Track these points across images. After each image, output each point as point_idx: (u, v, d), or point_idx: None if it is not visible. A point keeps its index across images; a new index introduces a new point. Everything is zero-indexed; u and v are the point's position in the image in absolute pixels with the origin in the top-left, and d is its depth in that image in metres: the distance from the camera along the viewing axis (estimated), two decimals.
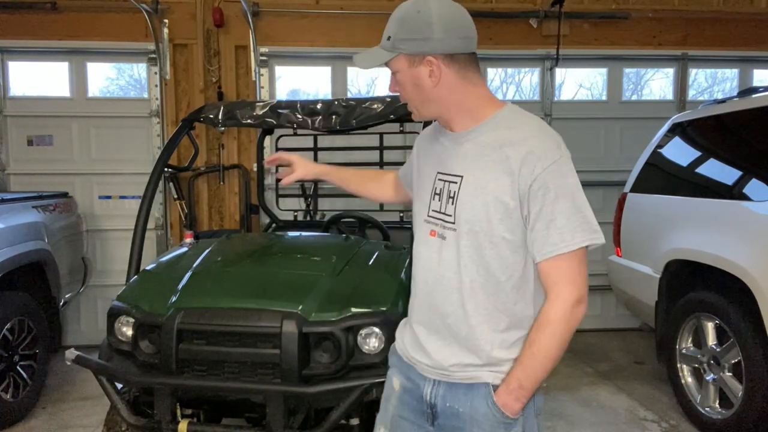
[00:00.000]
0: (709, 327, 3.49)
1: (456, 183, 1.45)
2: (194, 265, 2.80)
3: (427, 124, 1.79)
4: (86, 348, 2.85)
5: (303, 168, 1.96)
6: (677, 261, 3.70)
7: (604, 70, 5.76)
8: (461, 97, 1.47)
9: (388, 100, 2.90)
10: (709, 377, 3.49)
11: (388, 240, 3.47)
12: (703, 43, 5.63)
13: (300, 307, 2.36)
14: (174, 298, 2.47)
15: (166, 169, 3.48)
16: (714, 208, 3.47)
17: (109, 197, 5.35)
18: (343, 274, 2.67)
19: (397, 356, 1.66)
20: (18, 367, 3.70)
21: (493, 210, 1.39)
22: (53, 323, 4.11)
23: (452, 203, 1.45)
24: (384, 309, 2.36)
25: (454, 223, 1.44)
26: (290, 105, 3.08)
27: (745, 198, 3.30)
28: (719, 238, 3.35)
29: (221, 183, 5.30)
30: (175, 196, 5.21)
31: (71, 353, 2.51)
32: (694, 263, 3.54)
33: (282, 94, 5.53)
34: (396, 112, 2.85)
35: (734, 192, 3.41)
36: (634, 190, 4.34)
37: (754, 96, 3.54)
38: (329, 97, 5.42)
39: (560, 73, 5.72)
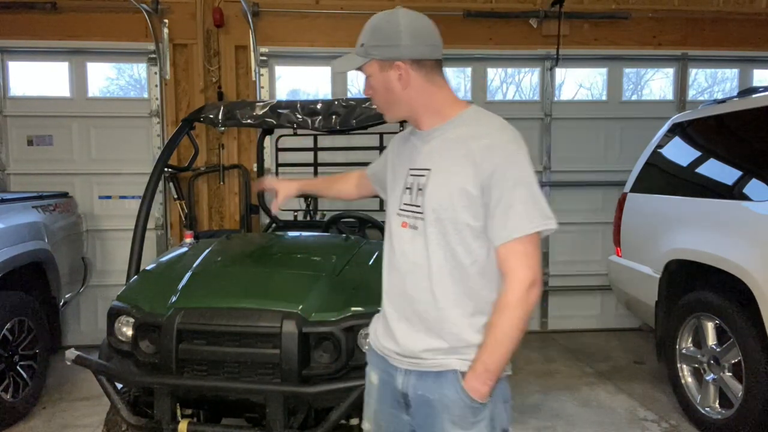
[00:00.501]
0: (709, 327, 3.49)
1: (424, 176, 1.56)
2: (194, 265, 2.80)
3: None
4: (86, 348, 2.85)
5: (284, 189, 2.19)
6: (677, 261, 3.70)
7: (604, 70, 5.76)
8: (428, 99, 1.59)
9: None
10: (709, 377, 3.49)
11: None
12: (703, 43, 5.63)
13: (300, 307, 2.36)
14: (174, 298, 2.47)
15: (166, 169, 3.49)
16: (714, 208, 3.47)
17: (109, 197, 5.35)
18: (343, 274, 2.67)
19: (372, 352, 1.75)
20: (18, 367, 3.70)
21: (457, 198, 1.49)
22: (53, 323, 4.11)
23: (421, 195, 1.56)
24: None
25: (422, 213, 1.55)
26: (290, 105, 3.08)
27: (745, 198, 3.30)
28: (719, 238, 3.35)
29: (221, 183, 5.30)
30: (175, 196, 5.21)
31: (71, 353, 2.51)
32: (694, 263, 3.53)
33: (282, 94, 5.53)
34: None
35: (734, 192, 3.41)
36: (634, 190, 4.35)
37: (754, 96, 3.54)
38: (329, 97, 5.42)
39: (560, 73, 5.72)
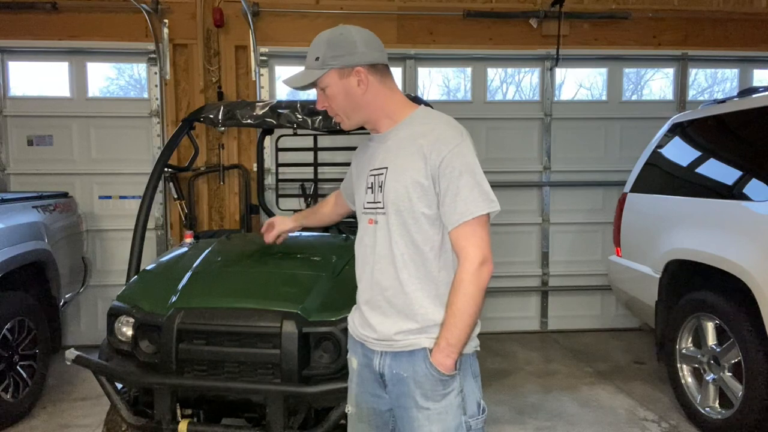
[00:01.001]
0: (709, 327, 3.49)
1: (382, 174, 1.71)
2: (194, 265, 2.80)
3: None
4: (86, 348, 2.85)
5: (281, 225, 2.53)
6: (677, 261, 3.69)
7: (604, 70, 5.76)
8: (384, 102, 1.74)
9: None
10: (709, 377, 3.49)
11: None
12: (703, 43, 5.63)
13: (300, 308, 2.37)
14: (174, 298, 2.47)
15: (166, 169, 3.48)
16: (714, 208, 3.47)
17: (109, 197, 5.35)
18: (343, 274, 2.67)
19: (351, 340, 1.88)
20: (18, 367, 3.70)
21: (412, 190, 1.64)
22: (53, 323, 4.11)
23: (381, 191, 1.70)
24: None
25: (383, 207, 1.69)
26: (290, 105, 3.07)
27: (745, 198, 3.30)
28: (719, 238, 3.35)
29: (221, 183, 5.30)
30: (175, 196, 5.21)
31: (71, 353, 2.51)
32: (694, 263, 3.53)
33: (282, 94, 5.53)
34: None
35: (734, 192, 3.41)
36: (634, 190, 4.35)
37: (754, 96, 3.54)
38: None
39: (560, 73, 5.72)
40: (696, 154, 3.99)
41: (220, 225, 5.31)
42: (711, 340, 3.49)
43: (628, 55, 5.63)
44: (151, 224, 4.98)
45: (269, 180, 5.16)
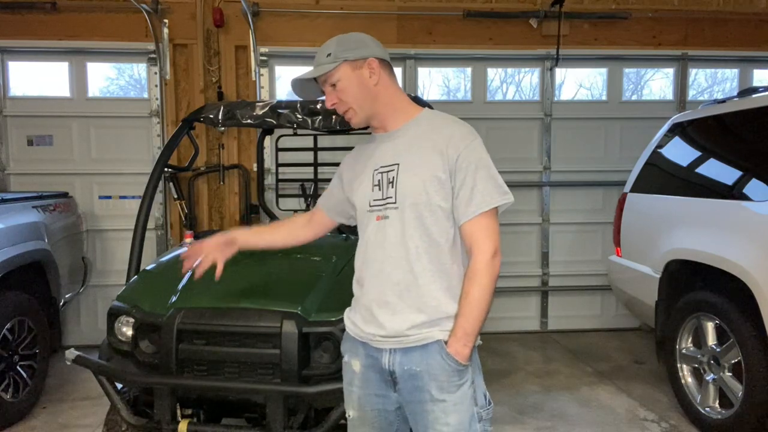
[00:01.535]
0: (709, 327, 3.49)
1: (393, 170, 1.73)
2: (194, 265, 2.79)
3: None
4: (86, 348, 2.85)
5: (219, 255, 2.05)
6: (677, 261, 3.69)
7: (604, 70, 5.76)
8: (393, 97, 1.80)
9: None
10: (709, 377, 3.49)
11: None
12: (703, 43, 5.63)
13: (300, 308, 2.37)
14: (174, 298, 2.47)
15: (166, 169, 3.48)
16: (714, 208, 3.47)
17: (109, 197, 5.35)
18: (343, 274, 2.67)
19: (350, 342, 1.85)
20: (18, 367, 3.70)
21: (429, 184, 1.68)
22: (53, 323, 4.11)
23: (392, 186, 1.72)
24: None
25: (395, 202, 1.71)
26: (290, 105, 3.07)
27: (745, 198, 3.30)
28: (719, 238, 3.35)
29: (221, 183, 5.30)
30: (175, 196, 5.21)
31: (71, 353, 2.51)
32: (694, 263, 3.53)
33: (282, 94, 5.53)
34: None
35: (734, 192, 3.41)
36: (634, 190, 4.34)
37: (754, 96, 3.54)
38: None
39: (560, 73, 5.72)
40: (696, 154, 3.99)
41: (220, 225, 5.31)
42: (711, 340, 3.49)
43: (628, 55, 5.63)
44: (151, 224, 4.98)
45: (269, 180, 5.16)
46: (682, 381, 3.70)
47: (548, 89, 5.62)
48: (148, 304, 2.50)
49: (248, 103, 3.18)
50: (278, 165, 4.65)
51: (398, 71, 5.46)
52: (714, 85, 5.98)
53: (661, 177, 4.15)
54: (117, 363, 2.50)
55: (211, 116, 3.13)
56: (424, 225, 1.69)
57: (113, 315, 2.56)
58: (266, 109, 3.07)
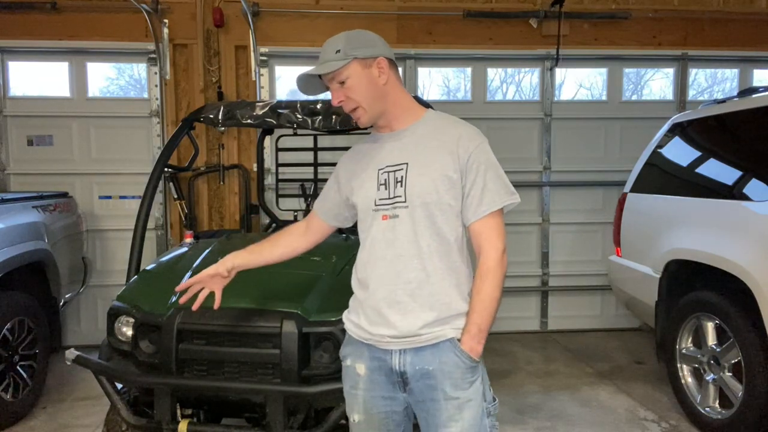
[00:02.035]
0: (709, 327, 3.49)
1: (402, 169, 1.73)
2: (194, 265, 2.80)
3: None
4: (86, 348, 2.85)
5: (217, 285, 2.02)
6: (677, 261, 3.69)
7: (604, 70, 5.76)
8: (400, 96, 1.80)
9: None
10: (709, 377, 3.49)
11: None
12: (703, 43, 5.63)
13: (300, 308, 2.37)
14: (174, 298, 2.46)
15: (166, 169, 3.48)
16: (714, 208, 3.47)
17: (109, 197, 5.35)
18: (343, 274, 2.67)
19: (352, 345, 1.82)
20: (18, 367, 3.70)
21: (440, 183, 1.70)
22: (53, 323, 4.11)
23: (401, 186, 1.72)
24: None
25: (405, 201, 1.71)
26: (290, 105, 3.07)
27: (745, 198, 3.30)
28: (719, 238, 3.35)
29: (221, 183, 5.30)
30: (175, 196, 5.21)
31: (71, 353, 2.51)
32: (694, 263, 3.53)
33: (282, 94, 5.53)
34: None
35: (734, 192, 3.41)
36: (634, 190, 4.34)
37: (754, 96, 3.54)
38: (329, 97, 5.41)
39: (560, 73, 5.72)
40: (696, 154, 3.99)
41: (220, 225, 5.31)
42: (711, 340, 3.49)
43: (628, 55, 5.63)
44: (151, 224, 4.98)
45: (269, 180, 5.16)
46: (682, 381, 3.70)
47: (548, 89, 5.62)
48: (148, 304, 2.50)
49: (248, 103, 3.18)
50: (278, 165, 4.65)
51: (399, 71, 5.45)
52: (714, 85, 5.98)
53: (661, 177, 4.15)
54: (117, 363, 2.50)
55: (211, 116, 3.13)
56: (435, 224, 1.70)
57: (113, 315, 2.56)
58: (266, 109, 3.07)
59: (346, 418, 2.30)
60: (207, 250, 3.02)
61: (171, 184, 5.19)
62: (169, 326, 2.33)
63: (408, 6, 5.38)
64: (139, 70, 5.41)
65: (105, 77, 5.44)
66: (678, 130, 4.13)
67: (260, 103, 3.13)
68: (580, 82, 5.82)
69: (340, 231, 3.67)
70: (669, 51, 5.65)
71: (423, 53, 5.46)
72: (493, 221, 1.71)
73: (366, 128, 1.90)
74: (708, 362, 3.51)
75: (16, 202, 3.93)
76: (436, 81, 5.68)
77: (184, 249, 3.23)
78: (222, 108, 3.14)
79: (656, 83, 5.88)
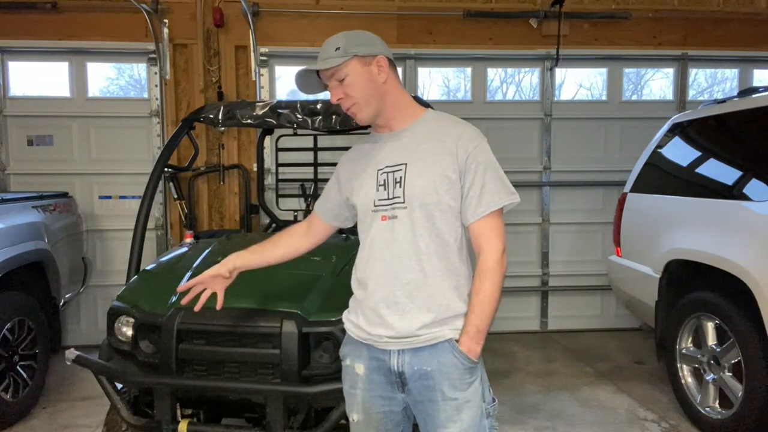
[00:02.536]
0: (709, 327, 3.49)
1: (401, 170, 1.72)
2: (194, 265, 2.80)
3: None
4: (86, 348, 2.85)
5: (218, 286, 2.02)
6: (677, 261, 3.69)
7: (604, 70, 5.76)
8: (399, 96, 1.80)
9: None
10: (709, 377, 3.49)
11: None
12: (703, 43, 5.63)
13: (300, 308, 2.37)
14: (174, 298, 2.47)
15: (166, 169, 3.48)
16: (714, 208, 3.47)
17: (109, 197, 5.35)
18: (343, 274, 2.67)
19: (351, 345, 1.82)
20: (18, 367, 3.70)
21: (439, 184, 1.69)
22: (53, 323, 4.11)
23: (400, 186, 1.71)
24: None
25: (404, 201, 1.70)
26: (290, 105, 3.07)
27: (745, 198, 3.30)
28: (719, 238, 3.35)
29: (221, 183, 5.30)
30: (175, 196, 5.21)
31: (71, 353, 2.51)
32: (694, 263, 3.53)
33: (282, 94, 5.53)
34: None
35: (734, 192, 3.41)
36: (634, 190, 4.34)
37: (754, 96, 3.54)
38: (329, 97, 5.41)
39: (560, 73, 5.72)
40: (696, 154, 3.99)
41: (220, 225, 5.31)
42: (711, 340, 3.49)
43: (628, 55, 5.63)
44: (151, 224, 4.98)
45: (269, 180, 5.16)
46: (682, 381, 3.70)
47: (548, 89, 5.62)
48: (148, 304, 2.50)
49: (248, 103, 3.18)
50: (278, 165, 4.65)
51: (398, 71, 5.45)
52: (714, 85, 5.98)
53: (661, 177, 4.15)
54: (117, 363, 2.50)
55: (211, 116, 3.13)
56: (435, 224, 1.70)
57: (113, 315, 2.56)
58: (266, 109, 3.07)
59: (347, 418, 2.31)
60: (207, 250, 3.02)
61: (171, 184, 5.19)
62: (169, 326, 2.33)
63: (408, 6, 5.38)
64: (139, 70, 5.41)
65: (105, 77, 5.44)
66: (678, 130, 4.13)
67: (260, 103, 3.13)
68: (580, 82, 5.82)
69: (340, 231, 3.68)
70: (669, 51, 5.65)
71: (423, 53, 5.46)
72: (493, 221, 1.70)
73: (366, 128, 1.90)
74: (708, 362, 3.51)
75: (16, 202, 3.93)
76: (436, 81, 5.68)
77: (184, 249, 3.23)
78: (222, 108, 3.14)
79: (656, 83, 5.88)
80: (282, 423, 2.24)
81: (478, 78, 5.62)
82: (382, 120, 1.80)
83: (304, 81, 1.81)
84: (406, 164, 1.72)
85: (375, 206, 1.75)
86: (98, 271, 5.23)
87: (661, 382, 4.23)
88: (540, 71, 5.65)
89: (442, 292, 1.70)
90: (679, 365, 3.72)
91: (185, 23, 5.17)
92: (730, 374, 3.33)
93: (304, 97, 3.46)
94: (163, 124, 5.26)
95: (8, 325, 3.59)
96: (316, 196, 4.63)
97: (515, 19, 5.42)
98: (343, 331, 1.88)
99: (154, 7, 5.02)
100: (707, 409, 3.48)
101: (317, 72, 1.77)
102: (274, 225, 4.48)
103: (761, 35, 5.64)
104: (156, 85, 5.24)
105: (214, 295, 2.01)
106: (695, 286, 3.64)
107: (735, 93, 4.28)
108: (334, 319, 2.31)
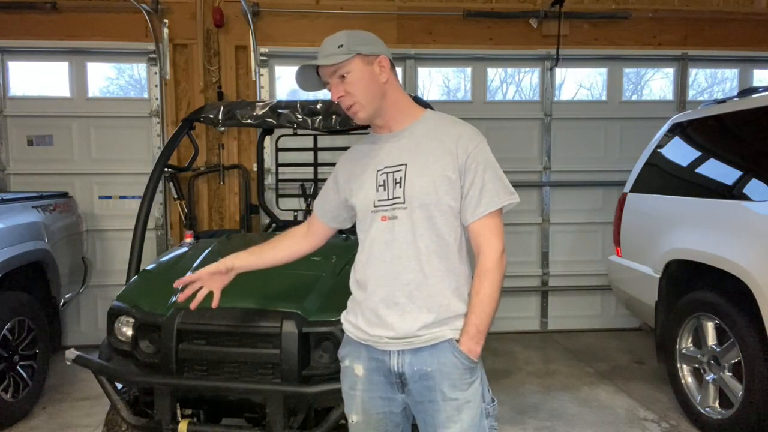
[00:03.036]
0: (709, 327, 3.49)
1: (401, 170, 1.72)
2: (194, 265, 2.79)
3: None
4: (86, 348, 2.85)
5: (215, 284, 1.98)
6: (677, 261, 3.69)
7: (604, 70, 5.76)
8: (399, 97, 1.80)
9: None
10: (709, 377, 3.49)
11: None
12: (703, 43, 5.63)
13: (300, 308, 2.37)
14: (174, 298, 2.47)
15: (166, 169, 3.48)
16: (714, 208, 3.47)
17: (109, 197, 5.35)
18: (343, 274, 2.66)
19: (351, 346, 1.82)
20: (18, 367, 3.70)
21: (439, 184, 1.69)
22: (53, 323, 4.11)
23: (400, 187, 1.71)
24: None
25: (404, 202, 1.70)
26: (290, 105, 3.07)
27: (745, 198, 3.30)
28: (719, 238, 3.35)
29: (221, 183, 5.30)
30: (175, 196, 5.21)
31: (71, 353, 2.51)
32: (694, 263, 3.53)
33: (282, 94, 5.53)
34: None
35: (734, 192, 3.41)
36: (634, 190, 4.35)
37: (754, 96, 3.54)
38: (329, 97, 5.41)
39: (560, 73, 5.72)
40: (696, 154, 3.99)
41: (220, 225, 5.31)
42: (711, 340, 3.49)
43: (628, 55, 5.63)
44: (151, 224, 4.98)
45: (269, 180, 5.16)
46: (682, 381, 3.70)
47: (548, 89, 5.62)
48: (148, 304, 2.50)
49: (248, 103, 3.18)
50: (278, 165, 4.65)
51: (398, 71, 5.44)
52: (714, 85, 5.98)
53: (661, 177, 4.15)
54: (117, 363, 2.50)
55: (211, 116, 3.13)
56: (435, 225, 1.70)
57: (113, 315, 2.56)
58: (266, 109, 3.08)
59: (346, 419, 2.32)
60: (207, 250, 3.02)
61: (171, 184, 5.19)
62: (169, 326, 2.33)
63: (408, 6, 5.38)
64: (139, 70, 5.41)
65: (105, 77, 5.44)
66: (678, 130, 4.13)
67: (260, 103, 3.13)
68: (580, 82, 5.82)
69: (340, 231, 3.69)
70: (669, 51, 5.65)
71: (423, 53, 5.46)
72: (492, 221, 1.70)
73: (366, 128, 1.90)
74: (708, 362, 3.51)
75: (16, 202, 3.93)
76: (436, 81, 5.68)
77: (184, 249, 3.23)
78: (222, 108, 3.14)
79: (656, 83, 5.88)
80: (282, 423, 2.24)
81: (478, 78, 5.62)
82: (382, 120, 1.80)
83: (303, 78, 1.80)
84: (406, 165, 1.72)
85: (375, 207, 1.74)
86: (98, 271, 5.23)
87: (661, 382, 4.23)
88: (540, 71, 5.65)
89: (442, 293, 1.70)
90: (679, 365, 3.72)
91: (185, 23, 5.17)
92: (730, 374, 3.33)
93: (304, 97, 3.48)
94: (163, 124, 5.26)
95: (8, 325, 3.59)
96: (316, 196, 4.63)
97: (515, 19, 5.42)
98: (343, 331, 1.87)
99: (154, 7, 5.02)
100: (707, 409, 3.48)
101: (317, 71, 1.77)
102: (274, 225, 4.48)
103: (761, 35, 5.64)
104: (156, 85, 5.24)
105: (210, 294, 2.00)
106: (695, 286, 3.64)
107: (735, 93, 4.28)
108: (334, 319, 2.30)
